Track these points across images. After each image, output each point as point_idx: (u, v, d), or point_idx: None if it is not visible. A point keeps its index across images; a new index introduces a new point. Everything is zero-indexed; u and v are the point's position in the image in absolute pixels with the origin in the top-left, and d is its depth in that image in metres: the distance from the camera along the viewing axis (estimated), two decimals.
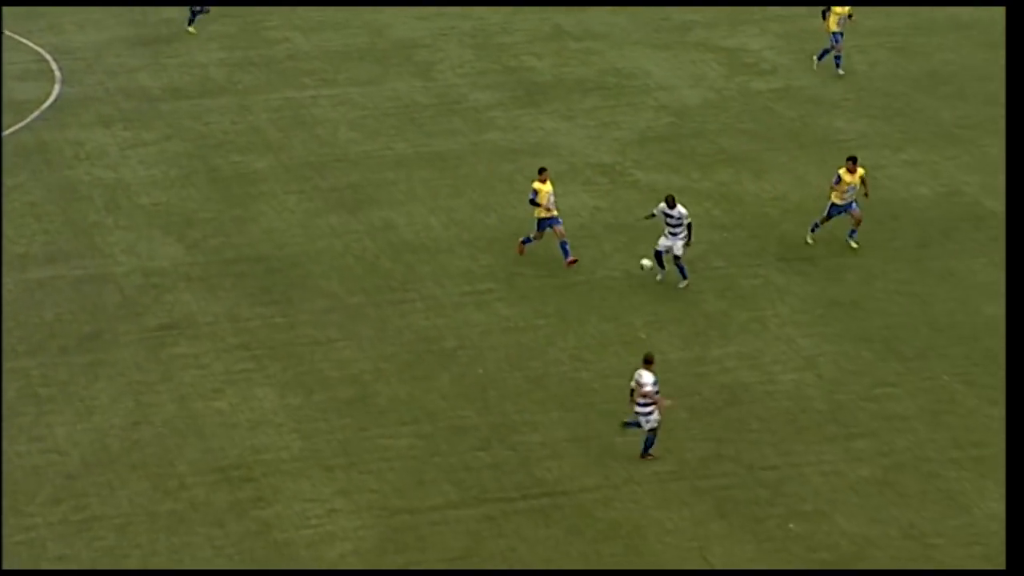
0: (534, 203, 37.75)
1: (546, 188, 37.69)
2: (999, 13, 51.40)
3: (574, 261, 37.79)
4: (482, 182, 42.31)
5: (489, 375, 34.29)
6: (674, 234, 36.97)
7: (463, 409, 33.18)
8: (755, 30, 51.21)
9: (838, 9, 47.33)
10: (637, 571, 28.63)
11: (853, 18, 47.61)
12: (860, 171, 38.19)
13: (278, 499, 30.52)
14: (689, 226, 37.02)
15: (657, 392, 31.05)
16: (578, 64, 49.13)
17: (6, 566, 28.89)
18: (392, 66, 49.00)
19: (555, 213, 37.83)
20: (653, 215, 37.55)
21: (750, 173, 42.74)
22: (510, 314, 36.45)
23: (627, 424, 31.77)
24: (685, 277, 37.24)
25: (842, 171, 38.26)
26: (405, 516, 30.13)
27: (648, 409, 31.14)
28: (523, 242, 38.32)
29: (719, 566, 28.92)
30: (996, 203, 40.70)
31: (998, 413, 32.73)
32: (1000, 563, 28.78)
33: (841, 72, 47.79)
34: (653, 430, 31.32)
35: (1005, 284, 31.17)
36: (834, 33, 47.55)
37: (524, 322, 36.17)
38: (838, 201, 38.37)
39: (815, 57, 48.39)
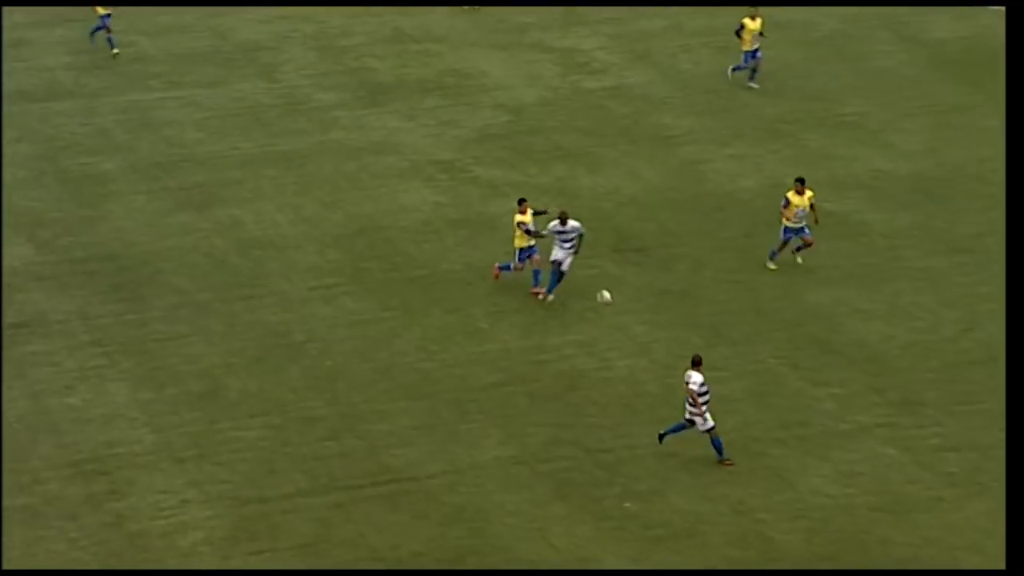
0: (531, 233, 36.47)
1: (527, 218, 36.60)
2: (817, 14, 51.97)
3: (538, 294, 36.69)
4: (327, 180, 42.10)
5: (337, 367, 34.15)
6: (565, 248, 36.29)
7: (312, 400, 33.02)
8: (587, 31, 51.39)
9: (751, 25, 46.50)
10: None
11: (764, 36, 46.88)
12: (809, 193, 37.15)
13: (131, 491, 30.21)
14: (580, 237, 36.41)
15: (701, 393, 30.68)
16: (418, 65, 49.03)
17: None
18: (236, 68, 48.62)
19: (533, 243, 36.65)
20: (544, 235, 36.50)
21: (585, 168, 42.89)
22: (357, 308, 36.33)
23: (665, 433, 31.28)
24: (550, 291, 36.58)
25: (790, 193, 37.29)
26: (256, 505, 29.94)
27: (699, 410, 30.84)
28: (501, 268, 37.16)
29: (560, 546, 29.01)
30: (819, 193, 41.09)
31: (820, 394, 33.17)
32: (824, 535, 29.16)
33: (755, 86, 47.11)
34: (709, 431, 30.89)
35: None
36: (746, 52, 46.76)
37: (370, 315, 36.06)
38: (791, 224, 37.29)
39: (730, 69, 47.77)
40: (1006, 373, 28.78)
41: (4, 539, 28.94)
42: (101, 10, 49.07)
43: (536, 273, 36.85)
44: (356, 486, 30.51)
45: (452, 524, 29.56)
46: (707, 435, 30.95)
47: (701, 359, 31.04)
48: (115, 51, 48.99)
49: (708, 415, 30.80)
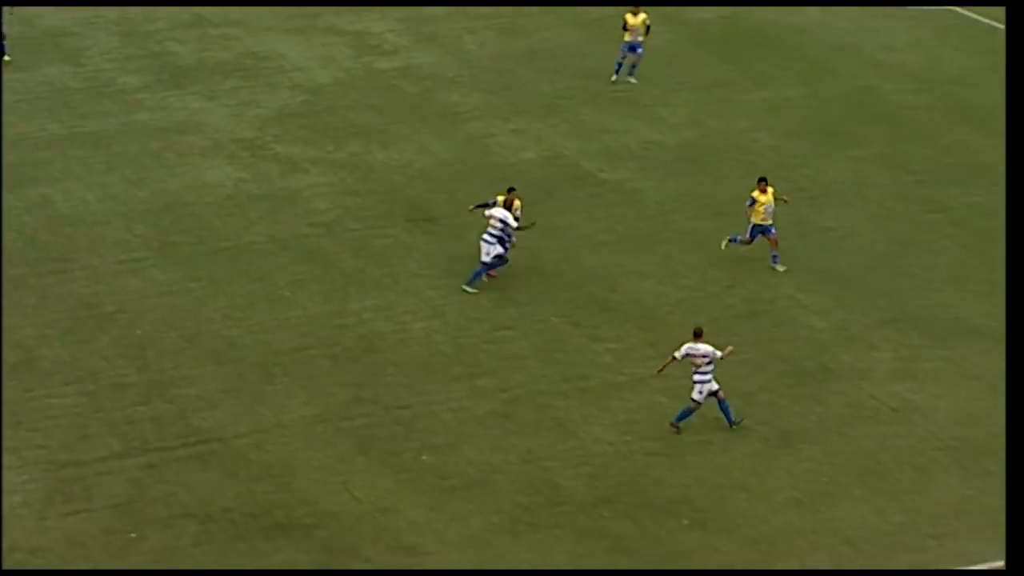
0: (521, 228, 35.71)
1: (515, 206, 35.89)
2: None
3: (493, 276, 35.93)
4: (133, 159, 41.51)
5: (147, 336, 33.74)
6: (489, 241, 35.51)
7: (123, 368, 32.60)
8: (377, 15, 51.20)
9: (632, 20, 45.67)
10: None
11: (650, 30, 45.87)
12: (771, 190, 36.29)
13: None
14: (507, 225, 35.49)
15: (720, 355, 30.39)
16: (218, 49, 48.50)
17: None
18: (43, 53, 47.66)
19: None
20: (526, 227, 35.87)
21: (378, 144, 42.80)
22: (164, 279, 35.90)
23: (679, 419, 30.83)
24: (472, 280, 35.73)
25: (755, 192, 36.30)
26: (72, 468, 29.51)
27: (707, 377, 30.44)
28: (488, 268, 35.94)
29: (361, 497, 29.01)
30: (592, 164, 41.55)
31: (600, 349, 33.50)
32: (604, 479, 29.50)
33: (633, 80, 46.29)
34: (712, 394, 30.52)
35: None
36: (630, 43, 45.73)
37: (178, 286, 35.66)
38: (759, 221, 36.24)
39: (622, 76, 47.13)
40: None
41: None
42: None
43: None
44: (167, 448, 30.20)
45: (260, 480, 29.40)
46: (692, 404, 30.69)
47: (702, 330, 30.63)
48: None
49: (712, 383, 30.48)
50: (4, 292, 35.00)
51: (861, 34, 48.94)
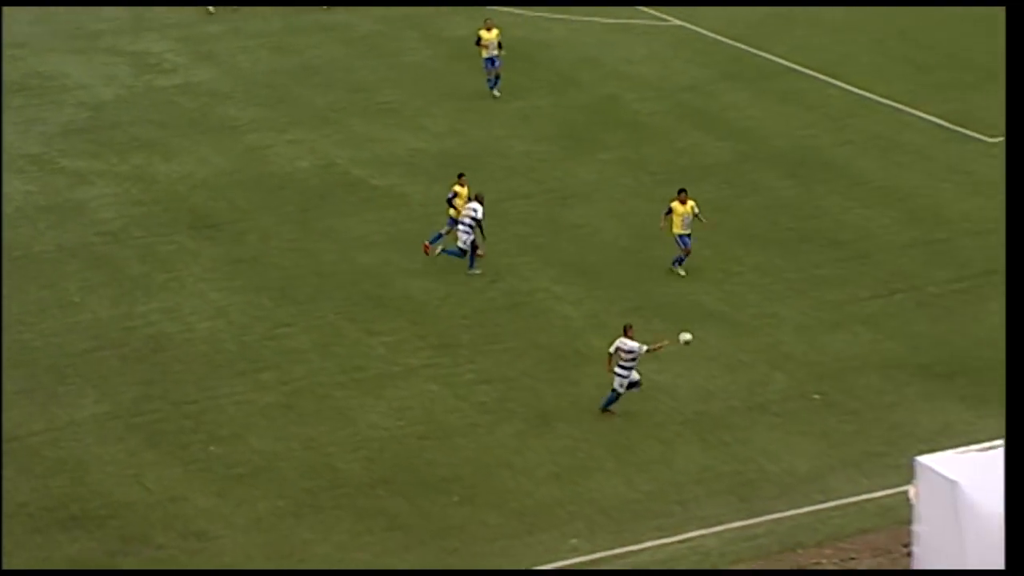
0: (451, 203, 35.77)
1: (463, 191, 35.92)
2: (356, 15, 52.10)
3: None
4: None
5: None
6: (464, 230, 35.59)
7: None
8: (156, 36, 50.43)
9: (487, 35, 45.34)
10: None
11: (503, 47, 45.39)
12: (691, 202, 35.66)
13: None
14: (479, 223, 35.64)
15: (645, 350, 30.10)
16: (4, 69, 47.29)
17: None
18: None
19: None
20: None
21: (160, 156, 42.15)
22: None
23: (607, 404, 30.58)
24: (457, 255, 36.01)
25: (674, 203, 35.68)
26: None
27: (627, 370, 30.10)
28: (432, 241, 36.23)
29: (153, 488, 28.56)
30: (363, 171, 41.44)
31: (374, 342, 33.43)
32: (380, 462, 29.45)
33: (497, 93, 45.68)
34: (633, 385, 30.29)
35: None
36: (488, 58, 45.42)
37: None
38: (680, 231, 35.61)
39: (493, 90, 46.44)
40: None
41: None
42: None
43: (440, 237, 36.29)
44: None
45: (54, 476, 28.77)
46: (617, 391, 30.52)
47: (631, 327, 30.39)
48: None
49: (634, 375, 30.33)
50: None
51: (603, 48, 49.55)
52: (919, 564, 24.69)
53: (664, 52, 49.22)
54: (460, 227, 35.98)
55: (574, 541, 27.35)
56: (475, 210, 35.83)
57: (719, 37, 49.95)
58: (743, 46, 48.78)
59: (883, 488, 28.08)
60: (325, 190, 40.45)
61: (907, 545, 25.41)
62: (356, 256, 37.18)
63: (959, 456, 24.70)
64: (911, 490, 24.82)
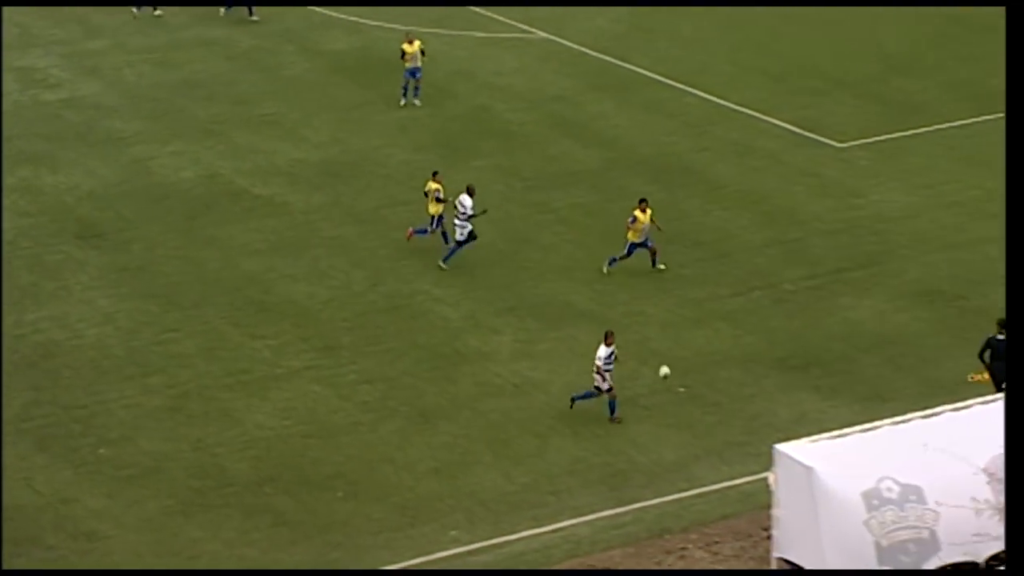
0: (440, 200, 36.36)
1: (439, 187, 36.62)
2: (236, 32, 51.69)
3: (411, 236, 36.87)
4: None
5: None
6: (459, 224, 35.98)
7: None
8: (41, 52, 49.67)
9: (409, 48, 45.17)
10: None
11: (425, 55, 45.50)
12: (649, 211, 35.56)
13: None
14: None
15: (607, 364, 29.91)
16: None
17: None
18: None
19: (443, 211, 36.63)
20: (449, 200, 36.40)
21: (47, 169, 41.52)
22: None
23: (576, 398, 30.40)
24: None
25: (636, 212, 35.43)
26: None
27: (601, 377, 29.95)
28: (416, 231, 36.92)
29: (43, 491, 28.15)
30: (245, 181, 41.11)
31: (259, 345, 33.20)
32: (267, 461, 29.27)
33: (418, 102, 45.50)
34: (607, 391, 30.05)
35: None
36: (410, 69, 45.31)
37: None
38: (635, 239, 35.53)
39: (404, 96, 46.01)
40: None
41: None
42: None
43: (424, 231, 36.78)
44: None
45: None
46: (605, 395, 30.21)
47: (611, 333, 30.09)
48: None
49: (608, 380, 30.03)
50: None
51: (475, 61, 49.60)
52: (778, 546, 25.02)
53: (533, 64, 49.37)
54: (456, 221, 36.23)
55: (454, 532, 27.38)
56: (462, 203, 36.15)
57: (585, 50, 50.21)
58: (608, 58, 49.09)
59: (744, 475, 28.40)
60: (209, 200, 40.08)
61: (767, 529, 25.73)
62: (240, 263, 36.89)
63: (813, 444, 25.08)
64: (770, 476, 25.14)
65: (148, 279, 35.98)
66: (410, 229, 37.25)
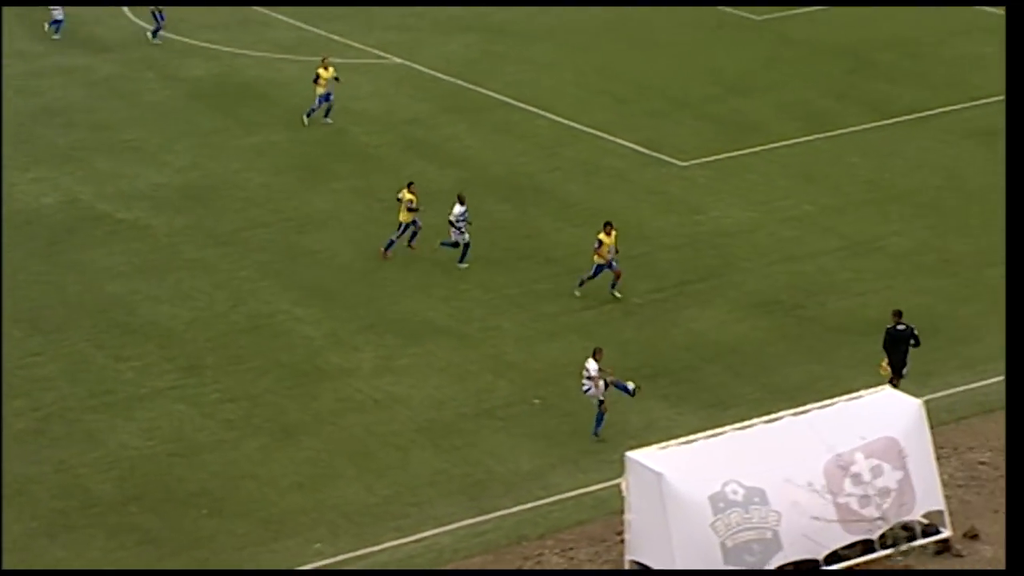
0: (412, 210, 37.09)
1: (413, 197, 37.30)
2: (97, 60, 50.79)
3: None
4: None
5: None
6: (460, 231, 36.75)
7: None
8: None
9: (324, 73, 45.17)
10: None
11: (339, 80, 45.67)
12: (614, 233, 34.91)
13: None
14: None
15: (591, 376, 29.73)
16: None
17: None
18: None
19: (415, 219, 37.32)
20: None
21: None
22: None
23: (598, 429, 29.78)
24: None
25: (601, 235, 34.83)
26: None
27: (585, 388, 29.67)
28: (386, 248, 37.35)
29: None
30: (108, 206, 40.37)
31: (123, 367, 32.55)
32: (132, 480, 28.68)
33: (329, 120, 45.39)
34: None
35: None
36: (324, 94, 45.34)
37: None
38: (601, 261, 34.84)
39: (304, 115, 45.76)
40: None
41: None
42: None
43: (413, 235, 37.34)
44: None
45: None
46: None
47: (600, 350, 29.62)
48: None
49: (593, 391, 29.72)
50: None
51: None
52: (630, 549, 25.10)
53: (388, 89, 49.18)
54: (452, 230, 36.72)
55: (318, 545, 27.04)
56: (457, 211, 36.58)
57: (438, 74, 50.15)
58: (460, 82, 49.06)
59: (598, 482, 28.44)
60: (71, 225, 39.28)
61: (620, 533, 25.80)
62: (104, 286, 36.19)
63: (663, 450, 25.21)
64: (622, 483, 25.21)
65: (11, 304, 35.11)
66: (382, 248, 37.48)
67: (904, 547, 25.26)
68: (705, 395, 31.29)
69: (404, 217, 37.38)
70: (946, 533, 25.83)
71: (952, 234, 37.85)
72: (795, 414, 26.06)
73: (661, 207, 40.27)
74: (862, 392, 26.70)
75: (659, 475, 24.31)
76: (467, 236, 36.92)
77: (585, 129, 45.47)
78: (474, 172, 42.77)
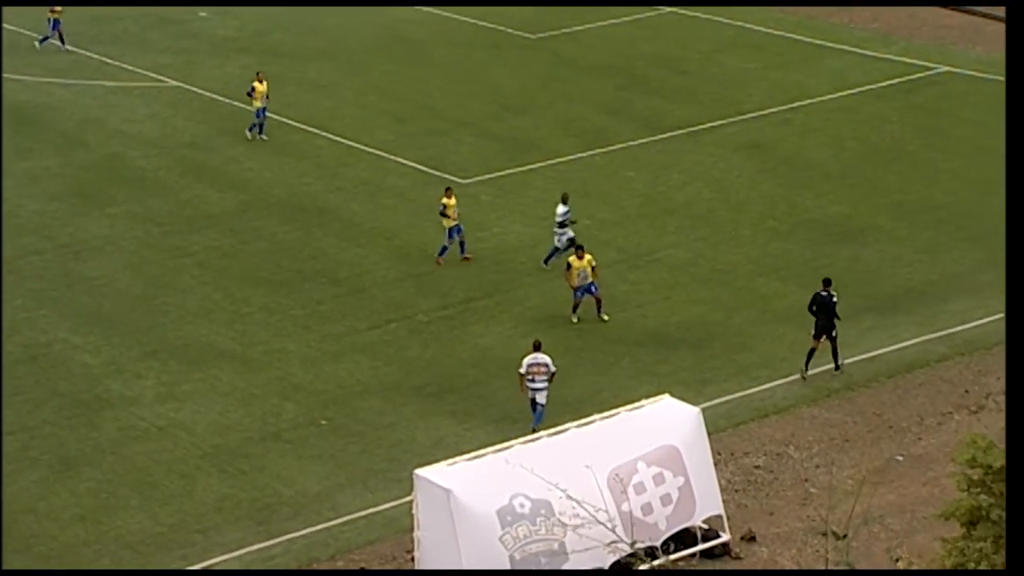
0: (443, 215, 37.25)
1: (451, 202, 37.35)
2: None
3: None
4: None
5: None
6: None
7: None
8: None
9: (260, 88, 44.94)
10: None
11: (269, 98, 45.44)
12: (588, 256, 34.19)
13: None
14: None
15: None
16: None
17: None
18: None
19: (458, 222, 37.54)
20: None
21: None
22: None
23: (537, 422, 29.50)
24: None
25: (571, 259, 34.33)
26: None
27: (539, 385, 29.63)
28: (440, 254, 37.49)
29: None
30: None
31: None
32: None
33: (264, 137, 45.23)
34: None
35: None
36: (259, 109, 45.20)
37: None
38: (576, 285, 34.21)
39: (247, 130, 45.33)
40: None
41: None
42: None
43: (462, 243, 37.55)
44: None
45: None
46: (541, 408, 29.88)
47: (540, 344, 30.12)
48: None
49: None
50: None
51: (106, 109, 48.31)
52: (420, 566, 25.09)
53: (164, 111, 48.43)
54: (555, 229, 36.91)
55: None
56: (560, 211, 37.16)
57: (215, 96, 49.57)
58: (238, 104, 48.54)
59: (388, 501, 28.38)
60: None
61: (411, 551, 25.78)
62: None
63: (451, 467, 25.28)
64: (412, 500, 25.19)
65: None
66: (437, 257, 37.60)
67: (686, 552, 25.76)
68: (492, 410, 31.48)
69: (448, 223, 37.80)
70: (725, 537, 26.43)
71: (724, 244, 38.79)
72: (579, 426, 26.39)
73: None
74: (643, 402, 27.17)
75: (448, 491, 24.37)
76: (570, 233, 36.93)
77: (366, 149, 45.42)
78: (255, 194, 42.35)
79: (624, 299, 36.00)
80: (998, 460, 17.90)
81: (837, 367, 32.23)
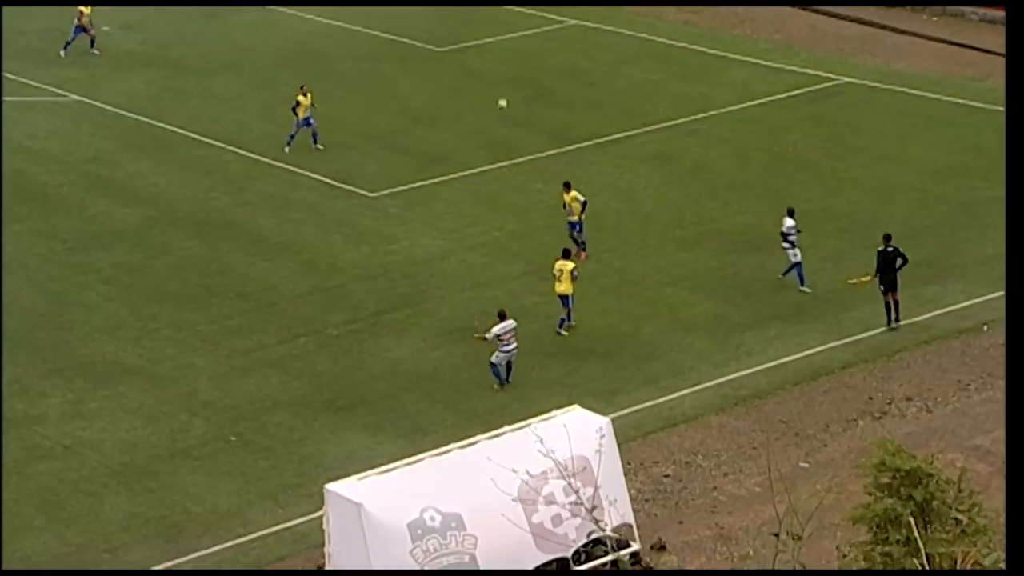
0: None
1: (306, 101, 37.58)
2: None
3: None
4: None
5: None
6: None
7: None
8: None
9: (304, 100, 44.56)
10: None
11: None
12: (570, 264, 34.29)
13: None
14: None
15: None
16: None
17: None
18: None
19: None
20: None
21: None
22: None
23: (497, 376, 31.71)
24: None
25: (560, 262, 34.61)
26: None
27: (513, 346, 31.79)
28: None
29: None
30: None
31: None
32: None
33: (321, 147, 45.24)
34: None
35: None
36: (304, 119, 44.90)
37: None
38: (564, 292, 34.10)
39: (285, 147, 44.61)
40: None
41: None
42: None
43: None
44: None
45: None
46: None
47: (504, 312, 31.99)
48: None
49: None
50: None
51: (7, 125, 47.45)
52: None
53: (67, 127, 47.83)
54: (784, 244, 35.80)
55: None
56: (788, 224, 35.95)
57: (119, 110, 49.04)
58: (142, 118, 48.08)
59: (298, 516, 28.20)
60: None
61: (322, 567, 25.61)
62: None
63: (361, 480, 25.16)
64: (324, 515, 25.04)
65: None
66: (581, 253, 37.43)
67: (597, 562, 25.80)
68: (403, 423, 31.38)
69: (574, 217, 38.07)
70: (636, 546, 26.51)
71: (632, 255, 38.97)
72: (490, 438, 26.37)
73: (353, 238, 40.27)
74: (554, 413, 27.20)
75: (358, 505, 24.25)
76: (798, 254, 35.62)
77: (274, 163, 45.13)
78: (161, 209, 41.94)
79: (533, 310, 36.01)
80: (907, 463, 18.10)
81: (892, 324, 33.43)
